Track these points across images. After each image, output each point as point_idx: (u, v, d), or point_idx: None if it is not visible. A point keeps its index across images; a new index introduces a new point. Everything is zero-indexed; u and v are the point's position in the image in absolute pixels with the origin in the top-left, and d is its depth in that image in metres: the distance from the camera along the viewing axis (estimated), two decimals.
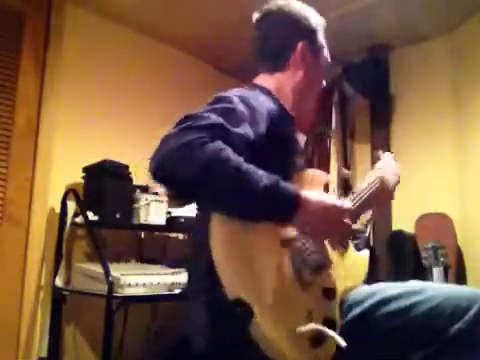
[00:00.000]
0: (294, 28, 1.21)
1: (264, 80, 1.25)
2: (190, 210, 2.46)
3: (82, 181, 2.24)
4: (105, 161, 2.16)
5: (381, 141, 2.84)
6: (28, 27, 2.29)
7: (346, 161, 2.95)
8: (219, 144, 0.91)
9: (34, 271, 2.18)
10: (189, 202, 1.02)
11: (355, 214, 1.12)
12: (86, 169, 2.23)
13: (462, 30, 2.52)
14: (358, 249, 1.23)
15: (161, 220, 2.30)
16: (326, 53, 1.27)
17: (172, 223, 2.35)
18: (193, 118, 0.98)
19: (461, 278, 2.31)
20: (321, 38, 1.26)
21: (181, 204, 2.53)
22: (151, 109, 2.73)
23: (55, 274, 2.12)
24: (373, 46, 2.69)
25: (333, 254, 1.09)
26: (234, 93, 1.10)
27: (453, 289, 1.06)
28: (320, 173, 1.24)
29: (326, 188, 1.23)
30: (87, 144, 2.40)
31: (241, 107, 1.03)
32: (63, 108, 2.35)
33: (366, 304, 1.06)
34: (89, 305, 2.20)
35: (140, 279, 1.84)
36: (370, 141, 2.89)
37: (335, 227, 1.01)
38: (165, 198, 2.37)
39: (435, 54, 2.67)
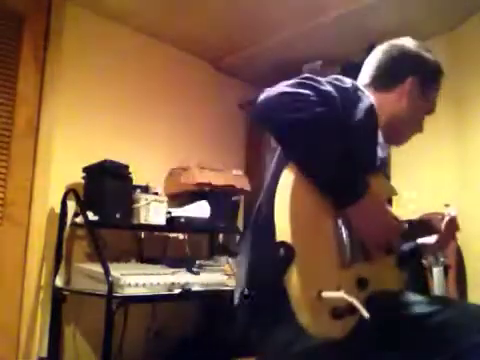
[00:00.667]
0: (413, 63, 1.32)
1: (368, 91, 1.29)
2: (190, 210, 2.46)
3: (82, 181, 2.24)
4: (105, 161, 2.16)
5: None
6: (28, 27, 2.29)
7: None
8: (325, 111, 0.98)
9: (34, 271, 2.18)
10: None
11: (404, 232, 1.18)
12: (86, 169, 2.23)
13: (462, 30, 2.52)
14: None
15: (161, 220, 2.30)
16: (433, 99, 1.34)
17: (172, 223, 2.36)
18: (315, 80, 1.04)
19: (461, 278, 2.31)
20: (433, 84, 1.33)
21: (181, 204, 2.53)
22: (151, 109, 2.73)
23: (55, 274, 2.12)
24: (373, 46, 2.69)
25: (380, 251, 1.11)
26: (349, 79, 1.16)
27: (474, 305, 1.08)
28: (390, 187, 1.28)
29: (389, 201, 1.27)
30: (87, 144, 2.40)
31: (353, 92, 1.11)
32: (63, 108, 2.35)
33: (389, 305, 1.07)
34: (89, 305, 2.20)
35: (140, 279, 1.84)
36: None
37: (382, 234, 1.06)
38: (165, 198, 2.38)
39: (435, 54, 2.67)
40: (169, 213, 2.36)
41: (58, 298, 2.10)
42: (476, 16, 2.40)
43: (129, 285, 1.80)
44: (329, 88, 1.04)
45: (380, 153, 1.20)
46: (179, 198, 2.64)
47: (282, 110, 0.98)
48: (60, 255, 2.15)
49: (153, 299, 2.05)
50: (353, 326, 0.96)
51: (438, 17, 2.44)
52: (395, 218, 1.10)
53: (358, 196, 1.00)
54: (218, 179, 2.60)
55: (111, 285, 1.76)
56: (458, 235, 1.43)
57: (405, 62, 1.32)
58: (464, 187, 2.46)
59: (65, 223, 2.14)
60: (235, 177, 2.71)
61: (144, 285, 1.84)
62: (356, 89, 1.14)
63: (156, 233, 2.59)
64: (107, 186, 2.14)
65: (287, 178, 0.98)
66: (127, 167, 2.25)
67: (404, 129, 1.32)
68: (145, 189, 2.34)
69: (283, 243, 0.91)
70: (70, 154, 2.33)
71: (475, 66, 2.43)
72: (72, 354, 2.24)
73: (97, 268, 1.90)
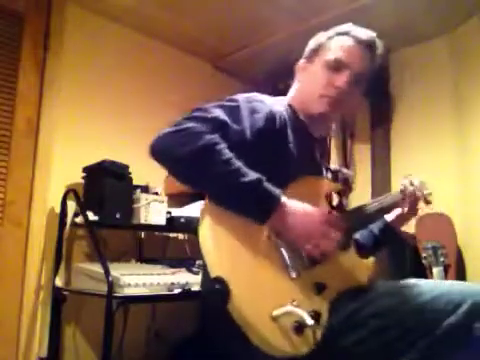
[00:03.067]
0: (305, 52, 1.34)
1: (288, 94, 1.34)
2: (190, 210, 2.46)
3: (82, 181, 2.24)
4: (105, 161, 2.16)
5: (381, 141, 2.84)
6: (28, 27, 2.29)
7: (346, 161, 2.95)
8: (215, 137, 0.99)
9: (34, 271, 2.18)
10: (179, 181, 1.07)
11: (351, 224, 1.15)
12: (86, 169, 2.23)
13: (462, 30, 2.52)
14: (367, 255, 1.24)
15: (161, 220, 2.30)
16: (329, 53, 1.26)
17: (172, 223, 2.35)
18: (199, 110, 1.08)
19: (461, 278, 2.31)
20: (325, 43, 1.29)
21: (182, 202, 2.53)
22: (151, 109, 2.73)
23: (55, 274, 2.12)
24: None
25: (335, 252, 1.08)
26: (244, 94, 1.18)
27: (446, 285, 1.07)
28: (325, 183, 1.25)
29: (328, 198, 1.25)
30: (87, 144, 2.40)
31: (244, 106, 1.10)
32: (63, 108, 2.35)
33: (357, 301, 1.06)
34: (89, 305, 2.20)
35: (140, 279, 1.84)
36: (370, 141, 2.89)
37: (312, 238, 1.01)
38: (165, 198, 2.38)
39: (435, 54, 2.67)
40: (169, 213, 2.36)
41: (58, 298, 2.10)
42: (476, 16, 2.40)
43: (129, 285, 1.80)
44: (216, 113, 1.05)
45: (300, 155, 1.17)
46: (179, 198, 2.64)
47: (172, 147, 1.01)
48: (60, 255, 2.15)
49: (153, 299, 2.05)
50: (319, 337, 0.94)
51: (438, 17, 2.44)
52: (327, 215, 1.05)
53: (269, 211, 0.98)
54: None
55: (111, 285, 1.76)
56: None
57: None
58: (464, 187, 2.46)
59: (65, 223, 2.14)
60: None
61: (144, 285, 1.84)
62: (250, 100, 1.13)
63: (156, 233, 2.59)
64: (107, 186, 2.14)
65: (203, 212, 0.98)
66: (127, 167, 2.24)
67: (311, 96, 1.25)
68: (145, 189, 2.34)
69: (216, 279, 0.90)
70: (70, 154, 2.33)
71: (475, 66, 2.43)
72: (72, 354, 2.24)
73: (97, 268, 1.90)
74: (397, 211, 1.37)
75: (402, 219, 1.38)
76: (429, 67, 2.69)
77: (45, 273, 2.20)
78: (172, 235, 2.63)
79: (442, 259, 2.14)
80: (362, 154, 2.93)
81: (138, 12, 2.50)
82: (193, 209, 2.47)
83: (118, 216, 2.15)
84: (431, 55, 2.68)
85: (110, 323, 1.75)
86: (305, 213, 1.02)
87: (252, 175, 0.97)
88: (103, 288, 1.78)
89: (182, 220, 2.38)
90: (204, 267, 0.96)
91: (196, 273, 2.09)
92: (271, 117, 1.12)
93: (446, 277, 2.14)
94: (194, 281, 1.99)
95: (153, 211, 2.26)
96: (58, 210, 2.19)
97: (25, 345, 2.13)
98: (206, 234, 0.95)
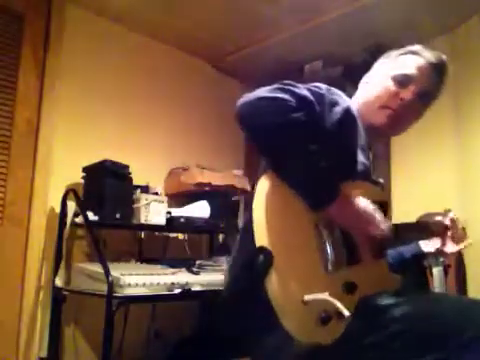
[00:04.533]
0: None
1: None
2: (190, 210, 2.46)
3: (82, 181, 2.24)
4: (105, 161, 2.16)
5: (381, 142, 2.84)
6: (28, 27, 2.29)
7: None
8: (302, 115, 1.01)
9: (34, 271, 2.18)
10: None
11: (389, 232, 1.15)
12: (86, 169, 2.23)
13: (462, 30, 2.52)
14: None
15: (161, 220, 2.30)
16: (396, 68, 1.27)
17: (172, 223, 2.35)
18: (293, 85, 1.07)
19: (461, 278, 2.31)
20: (394, 55, 1.32)
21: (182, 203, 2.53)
22: (151, 109, 2.73)
23: (55, 274, 2.12)
24: (373, 46, 2.69)
25: (367, 258, 1.10)
26: (326, 86, 1.19)
27: (469, 300, 1.10)
28: (376, 187, 1.27)
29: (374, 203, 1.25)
30: (87, 144, 2.40)
31: (327, 95, 1.13)
32: (63, 108, 2.35)
33: (382, 305, 1.07)
34: (89, 305, 2.20)
35: (140, 279, 1.84)
36: None
37: (372, 222, 1.06)
38: (165, 198, 2.38)
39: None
40: (169, 213, 2.36)
41: (58, 298, 2.10)
42: (476, 16, 2.40)
43: (129, 285, 1.79)
44: (306, 93, 1.07)
45: (362, 157, 1.19)
46: (179, 198, 2.64)
47: (259, 114, 1.01)
48: (60, 255, 2.15)
49: (153, 299, 2.05)
50: (341, 331, 0.95)
51: (438, 17, 2.44)
52: (377, 218, 1.08)
53: (331, 199, 1.01)
54: (218, 179, 2.60)
55: (111, 285, 1.76)
56: (465, 243, 1.39)
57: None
58: (465, 187, 2.46)
59: (65, 223, 2.14)
60: (235, 177, 2.71)
61: (144, 285, 1.84)
62: (332, 93, 1.15)
63: (156, 233, 2.59)
64: (107, 186, 2.14)
65: (264, 184, 1.00)
66: (127, 167, 2.25)
67: (370, 109, 1.26)
68: (145, 189, 2.34)
69: (261, 248, 0.91)
70: (70, 154, 2.33)
71: (475, 66, 2.43)
72: (72, 354, 2.24)
73: (97, 268, 1.90)
74: (436, 241, 1.38)
75: (441, 251, 1.39)
76: None
77: (45, 273, 2.20)
78: (172, 235, 2.63)
79: (442, 259, 2.14)
80: None
81: (138, 12, 2.50)
82: (193, 209, 2.47)
83: (118, 216, 2.15)
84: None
85: (110, 323, 1.75)
86: (364, 206, 1.06)
87: (326, 162, 1.00)
88: (103, 288, 1.78)
89: (182, 220, 2.38)
90: (248, 234, 0.96)
91: (196, 273, 2.10)
92: (347, 114, 1.15)
93: (446, 277, 2.14)
94: (194, 281, 1.99)
95: (153, 211, 2.26)
96: (58, 210, 2.19)
97: (25, 345, 2.13)
98: (261, 202, 0.96)
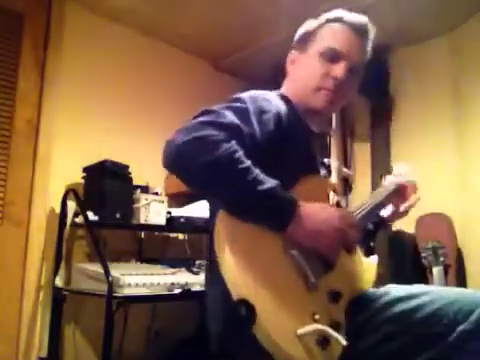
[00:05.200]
0: (294, 42, 1.29)
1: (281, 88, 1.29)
2: (190, 210, 2.46)
3: (82, 181, 2.24)
4: (105, 161, 2.16)
5: (381, 141, 2.84)
6: (28, 27, 2.29)
7: (346, 161, 2.96)
8: (233, 145, 0.95)
9: (34, 271, 2.18)
10: (197, 192, 1.03)
11: (361, 223, 1.14)
12: (86, 169, 2.23)
13: (462, 30, 2.52)
14: (367, 253, 1.23)
15: (161, 220, 2.30)
16: (323, 41, 1.22)
17: (172, 223, 2.35)
18: (212, 114, 1.01)
19: (461, 278, 2.31)
20: (316, 32, 1.25)
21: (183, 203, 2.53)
22: (151, 109, 2.73)
23: (55, 274, 2.12)
24: (373, 46, 2.69)
25: (341, 257, 1.07)
26: (248, 93, 1.13)
27: (457, 292, 1.06)
28: (326, 182, 1.25)
29: (334, 192, 1.24)
30: (87, 144, 2.40)
31: (252, 107, 1.06)
32: (63, 108, 2.35)
33: (372, 307, 1.06)
34: (89, 305, 2.20)
35: (140, 279, 1.84)
36: (370, 141, 2.89)
37: (333, 240, 1.00)
38: (165, 198, 2.38)
39: (435, 54, 2.67)
40: (169, 213, 2.36)
41: (58, 298, 2.10)
42: (476, 16, 2.40)
43: (129, 285, 1.80)
44: (229, 118, 1.00)
45: (306, 153, 1.16)
46: (179, 198, 2.64)
47: (186, 160, 0.94)
48: (60, 255, 2.15)
49: (153, 299, 2.05)
50: (341, 348, 0.93)
51: (438, 17, 2.44)
52: (345, 213, 1.05)
53: (289, 217, 0.95)
54: None
55: (111, 285, 1.76)
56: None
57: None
58: (464, 187, 2.46)
59: (65, 223, 2.14)
60: None
61: (144, 285, 1.84)
62: (256, 100, 1.09)
63: (156, 233, 2.59)
64: (107, 186, 2.14)
65: (220, 225, 0.93)
66: (127, 167, 2.25)
67: (308, 88, 1.21)
68: (145, 189, 2.34)
69: (241, 301, 0.86)
70: (70, 154, 2.33)
71: (475, 66, 2.43)
72: (72, 354, 2.24)
73: (97, 268, 1.90)
74: (390, 207, 1.36)
75: (396, 214, 1.37)
76: (429, 67, 2.69)
77: (45, 273, 2.20)
78: (172, 235, 2.63)
79: (442, 259, 2.14)
80: (362, 154, 2.93)
81: (138, 12, 2.50)
82: (193, 209, 2.47)
83: (118, 216, 2.15)
84: (431, 55, 2.68)
85: (110, 323, 1.75)
86: (323, 211, 1.01)
87: (270, 182, 0.94)
88: (103, 288, 1.78)
89: (182, 220, 2.38)
90: (220, 285, 0.90)
91: (196, 273, 2.10)
92: (279, 117, 1.09)
93: (446, 277, 2.14)
94: (194, 281, 1.99)
95: (153, 211, 2.26)
96: (58, 210, 2.19)
97: (25, 345, 2.13)
98: (225, 251, 0.89)
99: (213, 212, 1.05)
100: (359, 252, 1.19)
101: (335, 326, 0.93)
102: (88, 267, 2.02)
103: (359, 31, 1.24)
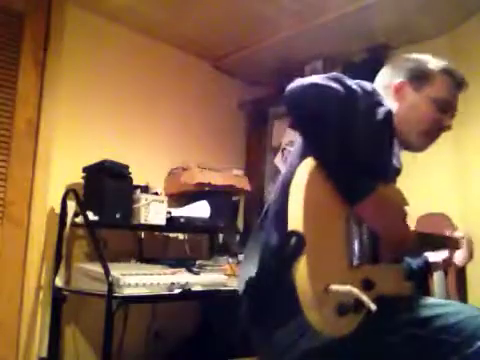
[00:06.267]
0: (402, 68, 1.33)
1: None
2: (190, 210, 2.46)
3: (82, 181, 2.24)
4: (105, 161, 2.16)
5: None
6: (28, 27, 2.29)
7: None
8: (350, 107, 1.03)
9: (34, 271, 2.18)
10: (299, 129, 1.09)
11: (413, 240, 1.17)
12: (86, 169, 2.23)
13: (462, 30, 2.52)
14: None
15: (161, 220, 2.30)
16: (438, 91, 1.29)
17: (172, 223, 2.36)
18: (342, 77, 1.07)
19: (461, 278, 2.31)
20: (432, 76, 1.30)
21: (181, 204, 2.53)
22: (151, 109, 2.73)
23: (55, 274, 2.12)
24: (373, 46, 2.69)
25: (388, 258, 1.11)
26: (373, 86, 1.20)
27: (477, 309, 1.08)
28: (401, 195, 1.27)
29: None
30: (87, 144, 2.40)
31: (374, 94, 1.15)
32: (63, 108, 2.35)
33: (396, 307, 1.07)
34: (89, 305, 2.20)
35: (140, 279, 1.84)
36: None
37: (390, 233, 1.07)
38: (165, 198, 2.38)
39: (435, 54, 2.66)
40: (169, 213, 2.36)
41: (58, 298, 2.10)
42: (476, 16, 2.40)
43: (129, 285, 1.80)
44: (354, 88, 1.07)
45: (395, 162, 1.22)
46: (179, 198, 2.64)
47: (308, 101, 1.00)
48: (60, 255, 2.15)
49: (153, 299, 2.04)
50: (356, 326, 0.95)
51: (438, 17, 2.44)
52: (407, 224, 1.11)
53: (364, 194, 1.01)
54: (218, 179, 2.60)
55: (111, 285, 1.76)
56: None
57: (398, 68, 1.34)
58: (464, 187, 2.46)
59: (65, 223, 2.14)
60: (235, 177, 2.71)
61: (144, 285, 1.84)
62: (378, 95, 1.17)
63: (156, 233, 2.59)
64: (107, 186, 2.14)
65: (303, 170, 0.99)
66: (127, 167, 2.25)
67: (412, 128, 1.28)
68: (145, 189, 2.34)
69: (294, 232, 0.91)
70: (70, 154, 2.33)
71: (475, 66, 2.43)
72: (72, 354, 2.24)
73: (97, 268, 1.90)
74: (443, 254, 1.40)
75: (447, 264, 1.40)
76: None
77: (45, 273, 2.20)
78: (172, 235, 2.64)
79: None
80: None
81: (138, 12, 2.50)
82: (193, 209, 2.47)
83: (118, 216, 2.15)
84: (431, 55, 2.67)
85: (110, 323, 1.75)
86: (398, 211, 1.10)
87: (365, 158, 1.01)
88: (103, 288, 1.78)
89: (182, 220, 2.38)
90: (280, 221, 0.96)
91: (196, 273, 2.10)
92: (389, 115, 1.15)
93: (446, 277, 2.14)
94: (194, 281, 1.99)
95: (153, 211, 2.26)
96: (58, 210, 2.19)
97: (25, 345, 2.13)
98: (300, 188, 0.96)
99: (294, 160, 1.10)
100: (401, 267, 1.21)
101: (357, 308, 0.94)
102: (88, 267, 2.02)
103: (462, 87, 1.35)
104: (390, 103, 1.26)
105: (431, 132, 1.28)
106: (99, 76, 2.53)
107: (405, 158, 1.39)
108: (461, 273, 2.33)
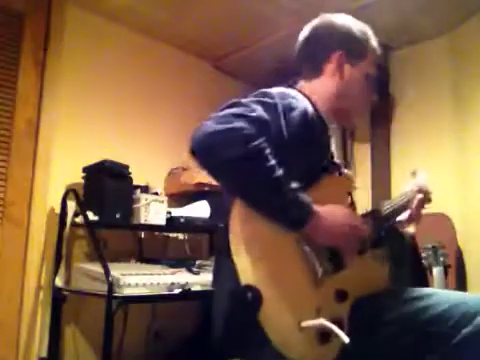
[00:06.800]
0: (333, 38, 1.26)
1: (302, 86, 1.27)
2: (190, 210, 2.46)
3: (82, 181, 2.24)
4: (105, 161, 2.16)
5: (381, 141, 2.84)
6: (28, 27, 2.29)
7: (346, 161, 2.95)
8: (262, 141, 0.97)
9: (34, 271, 2.18)
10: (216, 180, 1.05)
11: (372, 229, 1.16)
12: (86, 169, 2.23)
13: (462, 30, 2.52)
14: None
15: (161, 220, 2.30)
16: (369, 63, 1.27)
17: (172, 223, 2.36)
18: (242, 107, 1.03)
19: (461, 278, 2.31)
20: (362, 48, 1.27)
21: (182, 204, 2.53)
22: (151, 109, 2.73)
23: (55, 274, 2.12)
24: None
25: (353, 259, 1.09)
26: (276, 89, 1.14)
27: (461, 295, 1.08)
28: (347, 178, 1.27)
29: (349, 194, 1.26)
30: (87, 144, 2.40)
31: (280, 103, 1.08)
32: (63, 108, 2.35)
33: (376, 308, 1.07)
34: (89, 305, 2.20)
35: (140, 279, 1.84)
36: (370, 141, 2.89)
37: (345, 241, 1.05)
38: (165, 198, 2.38)
39: (435, 54, 2.67)
40: (169, 213, 2.36)
41: (58, 298, 2.10)
42: (476, 16, 2.40)
43: (129, 285, 1.80)
44: (259, 112, 1.02)
45: (327, 154, 1.19)
46: (179, 198, 2.64)
47: (214, 150, 0.96)
48: (60, 255, 2.15)
49: (153, 299, 2.04)
50: (340, 345, 0.95)
51: (438, 17, 2.44)
52: (355, 217, 1.09)
53: (304, 221, 0.99)
54: None
55: (111, 285, 1.76)
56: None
57: (321, 41, 1.27)
58: (464, 187, 2.46)
59: (65, 223, 2.14)
60: None
61: (144, 285, 1.84)
62: (285, 98, 1.10)
63: (156, 233, 2.59)
64: (107, 186, 2.14)
65: (236, 214, 0.96)
66: (127, 167, 2.25)
67: (351, 106, 1.26)
68: (145, 189, 2.34)
69: (248, 287, 0.89)
70: (70, 154, 2.33)
71: (475, 66, 2.43)
72: (72, 354, 2.24)
73: (97, 268, 1.90)
74: (405, 213, 1.36)
75: (411, 220, 1.37)
76: (429, 67, 2.69)
77: (45, 273, 2.20)
78: (172, 235, 2.63)
79: (442, 259, 2.14)
80: (362, 154, 2.93)
81: (138, 12, 2.50)
82: (193, 209, 2.47)
83: (118, 216, 2.15)
84: (431, 55, 2.68)
85: (110, 323, 1.75)
86: (334, 215, 1.05)
87: (292, 184, 0.98)
88: (103, 288, 1.78)
89: (182, 220, 2.38)
90: (229, 270, 0.93)
91: (196, 273, 2.10)
92: (305, 115, 1.11)
93: (446, 277, 2.14)
94: (194, 281, 1.99)
95: (153, 211, 2.26)
96: (58, 210, 2.19)
97: (25, 345, 2.13)
98: (238, 237, 0.93)
99: (226, 202, 1.06)
100: (369, 255, 1.20)
101: (337, 324, 0.94)
102: (88, 267, 2.02)
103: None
104: (321, 82, 1.23)
105: (367, 107, 1.27)
106: (99, 76, 2.52)
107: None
108: (461, 273, 2.33)
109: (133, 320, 2.32)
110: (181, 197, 2.63)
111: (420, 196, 1.33)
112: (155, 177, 2.58)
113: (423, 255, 2.20)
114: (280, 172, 0.96)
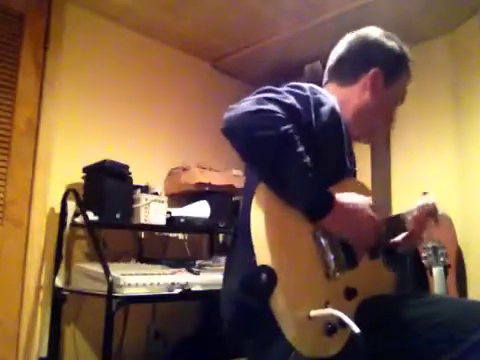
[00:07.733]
0: (379, 54, 1.26)
1: (330, 88, 1.29)
2: (190, 210, 2.46)
3: (82, 181, 2.24)
4: (105, 161, 2.16)
5: (381, 141, 2.84)
6: (28, 27, 2.29)
7: None
8: (293, 126, 0.98)
9: (34, 271, 2.18)
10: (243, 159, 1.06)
11: (382, 230, 1.15)
12: (86, 169, 2.23)
13: (462, 30, 2.52)
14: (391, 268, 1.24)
15: (161, 220, 2.30)
16: (401, 89, 1.30)
17: (172, 223, 2.36)
18: (276, 92, 1.04)
19: (461, 278, 2.31)
20: (399, 73, 1.29)
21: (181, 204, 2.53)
22: (151, 109, 2.73)
23: (55, 274, 2.12)
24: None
25: (364, 260, 1.10)
26: (307, 84, 1.15)
27: (469, 301, 1.08)
28: (367, 190, 1.27)
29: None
30: (87, 144, 2.40)
31: (312, 97, 1.10)
32: (63, 108, 2.35)
33: (383, 310, 1.07)
34: (89, 305, 2.20)
35: (140, 279, 1.84)
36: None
37: (360, 231, 1.06)
38: (165, 198, 2.38)
39: (435, 54, 2.67)
40: (169, 213, 2.36)
41: (58, 298, 2.10)
42: (476, 16, 2.40)
43: (129, 285, 1.80)
44: (292, 100, 1.04)
45: (347, 162, 1.19)
46: (179, 198, 2.64)
47: (246, 129, 0.98)
48: (60, 255, 2.15)
49: (153, 299, 2.05)
50: (347, 339, 0.95)
51: (438, 17, 2.44)
52: (373, 218, 1.09)
53: (328, 208, 1.00)
54: (218, 179, 2.60)
55: (111, 285, 1.76)
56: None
57: (366, 53, 1.26)
58: (464, 187, 2.46)
59: (65, 223, 2.14)
60: (235, 177, 2.71)
61: (144, 285, 1.84)
62: (315, 93, 1.12)
63: (156, 233, 2.59)
64: (107, 186, 2.14)
65: (259, 198, 0.98)
66: (127, 167, 2.25)
67: (372, 123, 1.28)
68: (145, 189, 2.34)
69: (264, 267, 0.89)
70: (70, 154, 2.33)
71: (475, 66, 2.43)
72: (72, 354, 2.24)
73: (97, 268, 1.90)
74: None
75: (411, 239, 1.32)
76: (429, 67, 2.69)
77: (45, 273, 2.20)
78: (172, 235, 2.63)
79: (442, 259, 2.14)
80: (362, 154, 2.92)
81: (138, 12, 2.50)
82: (193, 209, 2.47)
83: (118, 216, 2.15)
84: (431, 55, 2.68)
85: (110, 323, 1.75)
86: (360, 209, 1.06)
87: (316, 173, 0.99)
88: (103, 288, 1.78)
89: (182, 220, 2.38)
90: (247, 252, 0.94)
91: (196, 273, 2.10)
92: (334, 113, 1.12)
93: (446, 277, 2.14)
94: (194, 281, 1.99)
95: (153, 211, 2.26)
96: (58, 210, 2.19)
97: (25, 345, 2.13)
98: (260, 218, 0.95)
99: (249, 185, 1.09)
100: (380, 260, 1.20)
101: (342, 323, 0.94)
102: (88, 267, 2.02)
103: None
104: (352, 91, 1.23)
105: (384, 131, 1.31)
106: (99, 76, 2.53)
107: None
108: (461, 273, 2.33)
109: (133, 320, 2.32)
110: (181, 197, 2.63)
111: (417, 214, 1.34)
112: (155, 177, 2.58)
113: (423, 255, 2.20)
114: (308, 158, 0.98)
